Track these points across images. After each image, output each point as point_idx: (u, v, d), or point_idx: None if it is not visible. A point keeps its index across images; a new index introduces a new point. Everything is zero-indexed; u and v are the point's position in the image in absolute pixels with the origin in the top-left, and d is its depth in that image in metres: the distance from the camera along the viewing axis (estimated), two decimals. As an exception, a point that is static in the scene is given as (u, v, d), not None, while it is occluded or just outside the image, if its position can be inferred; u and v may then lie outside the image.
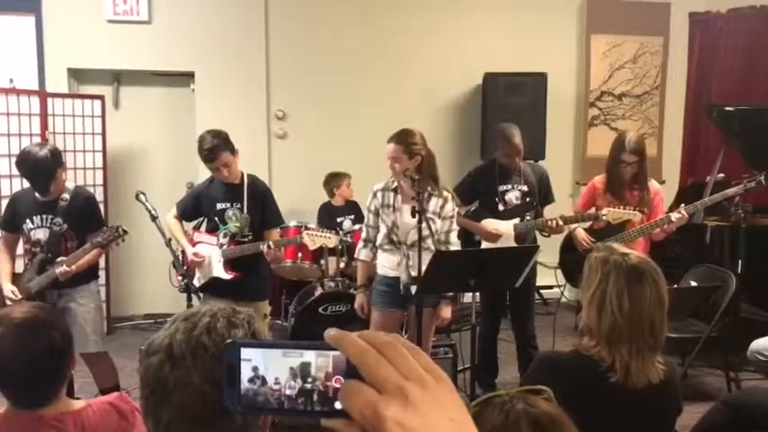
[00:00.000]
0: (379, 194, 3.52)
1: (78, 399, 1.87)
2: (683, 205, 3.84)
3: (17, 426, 1.65)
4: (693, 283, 4.22)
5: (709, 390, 4.27)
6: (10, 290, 3.47)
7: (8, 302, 3.44)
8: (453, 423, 0.52)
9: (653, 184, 4.02)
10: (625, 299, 1.81)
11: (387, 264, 3.51)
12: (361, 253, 3.59)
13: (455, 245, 3.53)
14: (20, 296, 3.44)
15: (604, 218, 3.73)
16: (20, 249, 3.65)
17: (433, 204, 3.44)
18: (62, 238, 3.48)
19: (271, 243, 3.50)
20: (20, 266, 3.69)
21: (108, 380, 3.63)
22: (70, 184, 3.61)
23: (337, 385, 0.55)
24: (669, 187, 6.35)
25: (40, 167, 3.35)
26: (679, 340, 4.11)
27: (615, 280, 1.83)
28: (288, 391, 0.55)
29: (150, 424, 1.07)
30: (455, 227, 3.58)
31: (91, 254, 3.40)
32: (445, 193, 3.51)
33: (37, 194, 3.44)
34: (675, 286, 4.09)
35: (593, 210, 3.99)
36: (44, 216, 3.48)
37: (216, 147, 3.45)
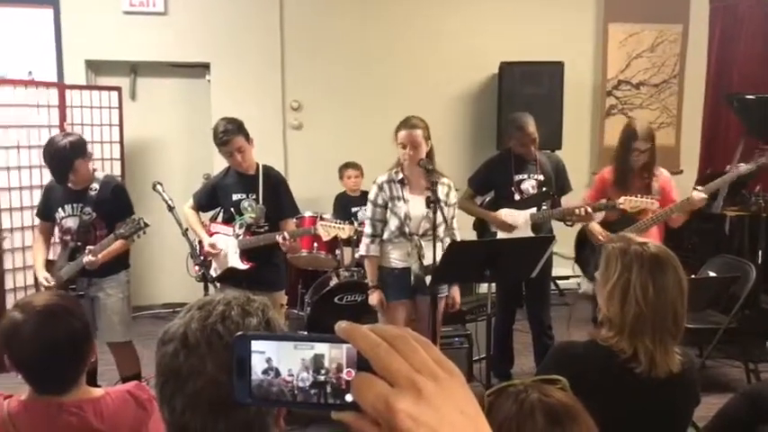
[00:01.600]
0: (386, 187, 3.47)
1: (99, 386, 1.89)
2: (698, 187, 3.78)
3: (38, 412, 1.68)
4: (712, 274, 4.18)
5: (728, 381, 4.24)
6: (43, 277, 3.56)
7: (42, 289, 3.52)
8: (465, 417, 0.52)
9: (662, 171, 3.97)
10: (650, 288, 1.80)
11: (395, 255, 3.49)
12: (371, 249, 3.50)
13: (458, 230, 3.52)
14: (53, 283, 3.50)
15: (621, 206, 3.69)
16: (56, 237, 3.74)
17: (441, 193, 3.43)
18: (91, 226, 3.54)
19: (286, 234, 3.51)
20: (56, 254, 3.78)
21: (130, 368, 3.69)
22: (100, 174, 3.67)
23: (349, 378, 0.55)
24: (687, 177, 6.28)
25: (57, 156, 3.40)
26: (698, 331, 4.08)
27: (638, 270, 1.81)
28: (300, 383, 0.55)
29: (165, 412, 1.08)
30: (456, 212, 3.57)
31: (116, 245, 3.44)
32: (446, 180, 3.49)
33: (70, 184, 3.50)
34: (693, 276, 4.05)
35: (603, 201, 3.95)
36: (74, 205, 3.55)
37: (230, 130, 3.48)
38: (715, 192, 4.10)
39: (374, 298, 3.53)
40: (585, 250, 4.15)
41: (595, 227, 3.98)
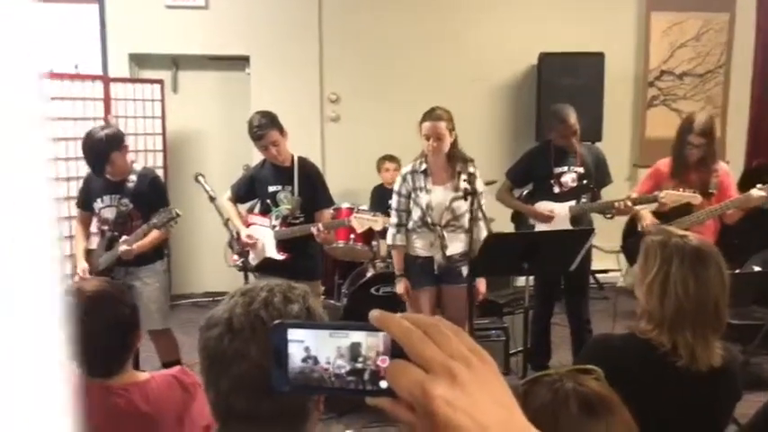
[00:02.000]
0: (409, 178, 3.51)
1: (143, 371, 1.96)
2: (758, 185, 3.67)
3: (87, 393, 1.74)
4: (757, 269, 4.08)
5: (772, 378, 4.14)
6: (81, 269, 3.66)
7: (77, 278, 3.63)
8: (499, 403, 0.53)
9: (722, 165, 3.87)
10: (690, 282, 1.77)
11: (418, 245, 3.52)
12: (397, 238, 3.56)
13: (483, 221, 3.43)
14: (89, 274, 3.61)
15: (662, 200, 3.63)
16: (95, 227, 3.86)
17: (464, 183, 3.43)
18: (128, 217, 3.62)
19: (320, 225, 3.55)
20: (95, 244, 3.89)
21: (170, 355, 3.78)
22: (138, 166, 3.75)
23: (383, 365, 0.56)
24: (733, 169, 6.10)
25: (94, 149, 3.49)
26: (741, 327, 3.99)
27: (678, 264, 1.79)
28: (337, 371, 0.57)
29: (211, 394, 1.11)
30: (483, 198, 3.53)
31: (153, 235, 3.52)
32: (471, 169, 3.47)
33: (108, 175, 3.60)
34: (738, 271, 3.96)
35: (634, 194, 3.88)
36: (112, 196, 3.64)
37: (264, 124, 3.53)
38: (750, 182, 3.98)
39: (400, 287, 3.60)
40: (633, 238, 4.08)
41: (646, 213, 3.89)
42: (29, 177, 0.41)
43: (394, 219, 3.57)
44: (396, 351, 0.55)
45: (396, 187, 3.59)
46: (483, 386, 0.53)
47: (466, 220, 3.30)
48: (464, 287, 3.47)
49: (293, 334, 0.58)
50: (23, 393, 0.40)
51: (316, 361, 0.57)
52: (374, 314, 0.56)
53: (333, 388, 0.57)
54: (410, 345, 0.54)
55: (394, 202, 3.59)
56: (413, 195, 3.50)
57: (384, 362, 0.56)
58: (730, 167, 6.14)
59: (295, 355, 0.57)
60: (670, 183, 3.83)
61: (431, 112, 3.42)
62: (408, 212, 3.53)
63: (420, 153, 3.53)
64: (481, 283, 3.55)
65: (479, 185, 3.48)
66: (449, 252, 3.44)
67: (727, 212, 3.73)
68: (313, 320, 1.11)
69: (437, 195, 3.42)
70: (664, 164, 3.96)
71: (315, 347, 0.57)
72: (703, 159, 3.76)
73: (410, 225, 3.53)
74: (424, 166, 3.48)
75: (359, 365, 0.56)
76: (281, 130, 3.60)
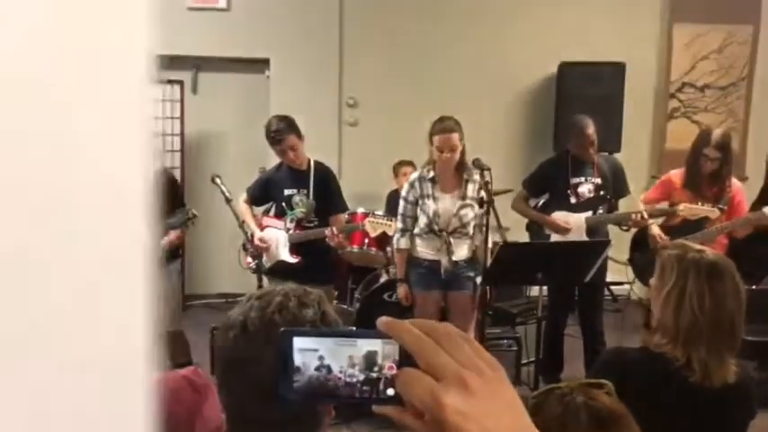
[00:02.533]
0: (417, 184, 3.53)
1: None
2: None
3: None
4: (776, 285, 4.03)
5: (789, 397, 4.07)
6: None
7: None
8: (511, 413, 0.53)
9: (735, 182, 3.85)
10: (706, 297, 1.76)
11: (425, 248, 3.53)
12: (401, 242, 3.59)
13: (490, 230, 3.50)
14: None
15: (681, 213, 3.61)
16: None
17: (471, 190, 3.44)
18: None
19: (334, 229, 3.56)
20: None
21: (181, 356, 3.80)
22: None
23: (390, 372, 0.56)
24: (753, 185, 6.05)
25: None
26: (758, 344, 3.93)
27: (695, 278, 1.77)
28: (348, 380, 0.56)
29: (224, 397, 1.12)
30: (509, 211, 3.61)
31: (172, 235, 3.55)
32: (478, 178, 3.48)
33: None
34: (756, 287, 3.91)
35: (664, 204, 3.86)
36: None
37: (282, 129, 3.54)
38: None
39: (400, 291, 3.65)
40: (640, 252, 4.06)
41: (655, 229, 3.89)
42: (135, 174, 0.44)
43: (400, 224, 3.60)
44: (404, 358, 0.55)
45: (403, 193, 3.62)
46: (494, 395, 0.53)
47: (470, 228, 3.32)
48: (470, 294, 3.49)
49: (304, 342, 0.58)
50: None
51: (329, 370, 0.57)
52: (383, 320, 0.56)
53: (340, 396, 0.57)
54: (421, 352, 0.54)
55: (401, 207, 3.63)
56: (420, 202, 3.53)
57: (391, 369, 0.56)
58: (750, 183, 6.12)
59: (309, 363, 0.57)
60: (682, 194, 3.82)
61: (442, 124, 3.42)
62: (414, 218, 3.56)
63: (427, 160, 3.55)
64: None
65: (483, 194, 3.50)
66: (455, 258, 3.45)
67: (738, 229, 3.72)
68: (328, 325, 1.11)
69: (444, 203, 3.44)
70: (676, 174, 3.94)
71: (329, 356, 0.57)
72: (717, 173, 3.74)
73: (416, 230, 3.56)
74: (431, 174, 3.50)
75: (374, 375, 0.56)
76: (299, 135, 3.62)
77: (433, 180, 3.49)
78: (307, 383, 0.57)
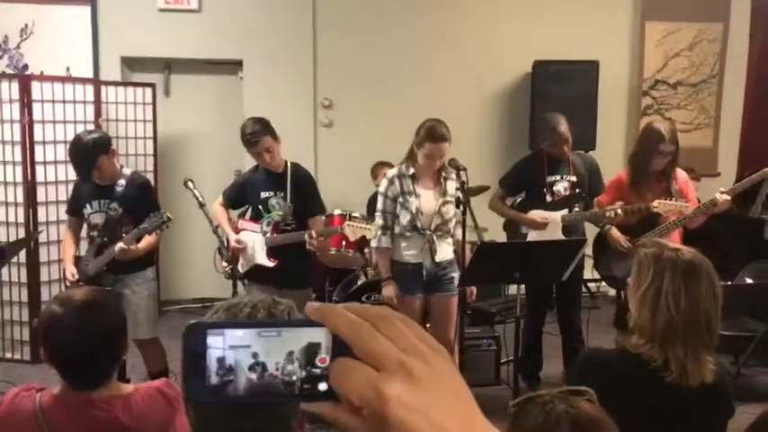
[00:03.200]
0: (396, 181, 3.50)
1: (128, 380, 1.92)
2: (721, 189, 3.70)
3: (68, 406, 1.71)
4: (749, 281, 4.08)
5: (764, 390, 4.13)
6: (70, 272, 3.61)
7: (67, 284, 3.59)
8: (459, 401, 0.48)
9: (680, 173, 3.89)
10: (682, 296, 1.75)
11: (408, 250, 3.50)
12: (383, 240, 3.53)
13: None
14: (77, 277, 3.57)
15: (655, 209, 3.63)
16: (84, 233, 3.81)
17: (450, 187, 3.43)
18: (118, 223, 3.58)
19: (313, 232, 3.52)
20: (84, 250, 3.83)
21: (157, 364, 3.73)
22: (127, 171, 3.71)
23: (322, 365, 0.50)
24: (725, 180, 6.13)
25: (81, 153, 3.46)
26: (732, 338, 3.98)
27: (671, 277, 1.77)
28: (287, 378, 0.50)
29: (190, 409, 1.08)
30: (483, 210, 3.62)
31: (147, 240, 3.48)
32: (464, 177, 3.48)
33: (96, 180, 3.55)
34: (730, 283, 3.96)
35: (618, 203, 3.87)
36: (101, 201, 3.59)
37: (257, 131, 3.50)
38: (742, 192, 3.99)
39: (389, 290, 3.56)
40: (605, 256, 4.06)
41: (615, 232, 3.90)
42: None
43: (379, 221, 3.54)
44: (338, 348, 0.49)
45: (381, 189, 3.57)
46: (441, 383, 0.48)
47: (452, 225, 3.30)
48: (453, 295, 3.46)
49: (234, 339, 0.50)
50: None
51: (264, 368, 0.50)
52: (312, 306, 0.50)
53: (263, 395, 0.50)
54: (358, 340, 0.48)
55: (380, 204, 3.57)
56: (400, 199, 3.48)
57: (324, 361, 0.50)
58: (722, 178, 6.20)
59: (241, 362, 0.50)
60: (631, 193, 3.85)
61: (435, 133, 3.37)
62: (394, 215, 3.51)
63: (406, 156, 3.52)
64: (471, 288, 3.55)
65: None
66: (438, 258, 3.43)
67: (693, 220, 3.75)
68: None
69: (427, 200, 3.40)
70: (625, 173, 3.97)
71: (264, 353, 0.50)
72: (666, 169, 3.78)
73: (398, 230, 3.51)
74: (411, 171, 3.47)
75: (317, 371, 0.50)
76: (275, 137, 3.57)
77: (413, 177, 3.46)
78: (237, 384, 0.50)
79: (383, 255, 3.58)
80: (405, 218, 3.47)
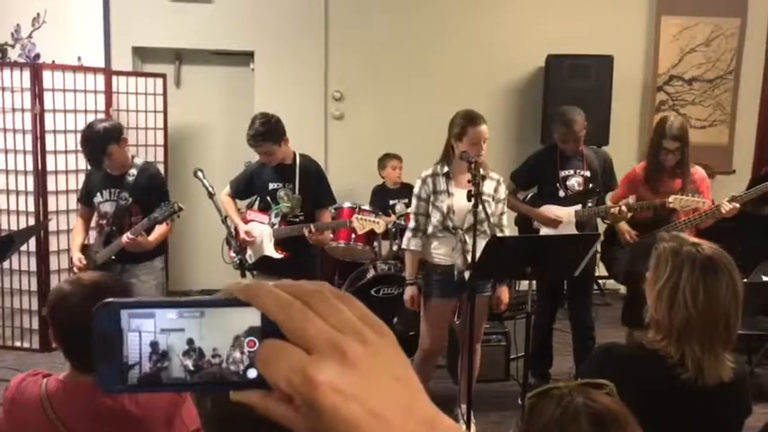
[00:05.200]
0: (429, 181, 3.41)
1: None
2: (732, 194, 3.65)
3: (75, 391, 1.69)
4: (765, 278, 4.02)
5: (778, 390, 4.07)
6: (77, 258, 3.62)
7: (75, 270, 3.59)
8: (400, 383, 0.44)
9: (698, 170, 3.84)
10: (700, 292, 1.70)
11: (441, 251, 3.42)
12: (411, 242, 3.45)
13: (507, 227, 3.49)
14: (84, 264, 3.58)
15: (671, 205, 3.58)
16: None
17: (488, 187, 3.36)
18: (127, 212, 3.58)
19: (312, 227, 3.49)
20: (93, 239, 3.84)
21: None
22: (139, 161, 3.71)
23: (251, 348, 0.45)
24: (740, 177, 6.06)
25: (92, 141, 3.46)
26: (747, 337, 3.93)
27: (689, 272, 1.72)
28: (227, 364, 0.46)
29: (207, 400, 1.06)
30: (506, 209, 3.52)
31: (159, 230, 3.48)
32: (496, 176, 3.43)
33: (107, 169, 3.54)
34: (745, 281, 3.89)
35: (630, 199, 3.83)
36: (112, 190, 3.60)
37: (258, 135, 3.47)
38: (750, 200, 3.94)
39: (409, 292, 3.49)
40: (612, 249, 4.02)
41: (623, 226, 3.86)
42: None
43: (412, 223, 3.47)
44: (268, 329, 0.44)
45: (415, 190, 3.47)
46: (381, 364, 0.43)
47: (486, 225, 3.22)
48: (487, 296, 3.42)
49: (165, 321, 0.46)
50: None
51: (201, 354, 0.46)
52: (239, 284, 0.45)
53: (185, 384, 0.46)
54: (288, 319, 0.43)
55: (413, 206, 3.49)
56: (432, 199, 3.40)
57: (252, 344, 0.45)
58: (737, 175, 6.12)
59: (175, 346, 0.46)
60: (645, 188, 3.81)
61: (474, 117, 3.31)
62: (427, 216, 3.42)
63: (441, 156, 3.45)
64: (504, 292, 3.49)
65: (502, 193, 3.47)
66: (470, 258, 3.35)
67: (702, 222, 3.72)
68: None
69: (461, 198, 3.33)
70: (641, 167, 3.92)
71: (199, 337, 0.46)
72: (678, 165, 3.73)
73: (430, 230, 3.42)
74: (446, 169, 3.39)
75: (246, 356, 0.46)
76: (278, 140, 3.52)
77: (447, 175, 3.39)
78: (170, 372, 0.46)
79: (411, 257, 3.49)
80: (436, 217, 3.38)
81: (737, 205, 3.58)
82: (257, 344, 0.45)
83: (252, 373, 0.45)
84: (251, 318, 0.46)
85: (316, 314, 0.44)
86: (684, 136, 3.71)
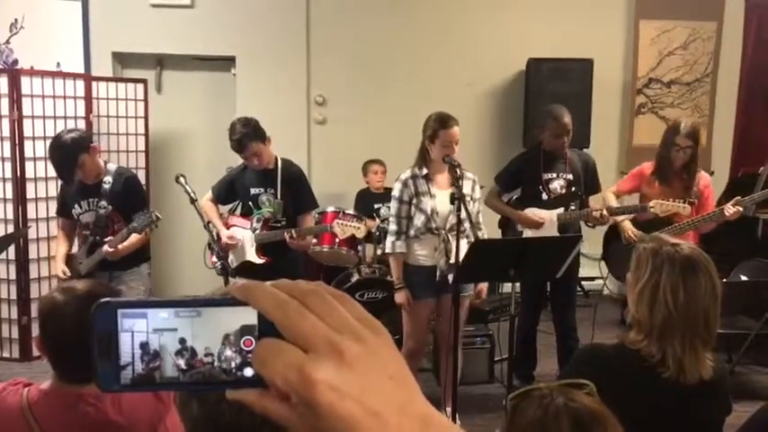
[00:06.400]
0: (410, 183, 3.43)
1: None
2: (737, 198, 3.70)
3: (57, 401, 1.67)
4: (744, 278, 4.07)
5: (758, 388, 4.13)
6: (61, 269, 3.57)
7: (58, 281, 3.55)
8: (396, 382, 0.44)
9: (703, 175, 3.89)
10: (680, 291, 1.73)
11: (421, 252, 3.44)
12: (396, 245, 3.44)
13: (483, 225, 3.53)
14: (69, 275, 3.53)
15: (651, 210, 3.61)
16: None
17: (466, 187, 3.39)
18: (108, 220, 3.54)
19: (293, 232, 3.49)
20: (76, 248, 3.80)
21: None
22: (112, 166, 3.66)
23: (248, 347, 0.46)
24: (719, 178, 6.14)
25: (60, 153, 3.38)
26: (727, 336, 3.97)
27: (668, 272, 1.75)
28: (220, 364, 0.46)
29: (193, 404, 1.05)
30: (482, 207, 3.59)
31: (134, 239, 3.44)
32: (471, 175, 3.47)
33: (81, 179, 3.49)
34: (725, 280, 3.95)
35: (630, 199, 3.89)
36: (90, 200, 3.55)
37: (244, 136, 3.46)
38: (736, 192, 4.02)
39: (400, 297, 3.50)
40: (614, 248, 4.07)
41: (627, 224, 3.91)
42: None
43: (393, 226, 3.46)
44: (265, 328, 0.45)
45: (396, 194, 3.47)
46: (376, 363, 0.44)
47: (467, 225, 3.25)
48: (466, 296, 3.44)
49: (157, 321, 0.46)
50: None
51: (194, 353, 0.46)
52: (237, 284, 0.46)
53: (178, 383, 0.46)
54: (284, 318, 0.44)
55: (393, 208, 3.49)
56: (414, 201, 3.42)
57: (249, 344, 0.46)
58: (715, 176, 6.19)
59: (167, 346, 0.46)
60: (653, 186, 3.85)
61: (444, 119, 3.36)
62: (409, 219, 3.44)
63: (417, 158, 3.47)
64: (484, 286, 3.56)
65: (477, 192, 3.52)
66: (452, 260, 3.36)
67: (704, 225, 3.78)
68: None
69: (442, 200, 3.35)
70: (648, 167, 3.97)
71: (192, 336, 0.46)
72: (688, 165, 3.78)
73: (412, 232, 3.43)
74: (425, 171, 3.41)
75: (243, 355, 0.46)
76: (263, 139, 3.52)
77: (426, 177, 3.41)
78: (163, 372, 0.46)
79: (396, 259, 3.49)
80: (419, 219, 3.39)
81: (741, 209, 3.62)
82: (254, 343, 0.46)
83: (248, 372, 0.46)
84: (244, 317, 0.46)
85: (312, 313, 0.44)
86: (697, 137, 3.80)
